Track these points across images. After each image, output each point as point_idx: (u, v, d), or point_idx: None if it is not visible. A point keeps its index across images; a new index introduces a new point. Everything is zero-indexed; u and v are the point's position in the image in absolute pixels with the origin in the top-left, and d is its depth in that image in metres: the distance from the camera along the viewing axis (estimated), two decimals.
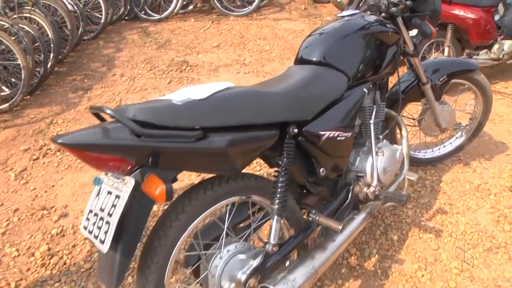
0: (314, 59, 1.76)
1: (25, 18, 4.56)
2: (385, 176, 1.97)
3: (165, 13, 6.35)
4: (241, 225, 1.65)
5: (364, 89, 1.84)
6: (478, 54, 3.87)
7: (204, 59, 5.05)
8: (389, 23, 1.97)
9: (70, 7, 5.00)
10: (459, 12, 3.67)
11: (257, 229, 1.68)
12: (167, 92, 4.24)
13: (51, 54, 4.50)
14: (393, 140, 2.48)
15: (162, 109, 1.19)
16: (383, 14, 2.04)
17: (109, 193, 1.25)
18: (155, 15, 6.46)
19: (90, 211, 1.30)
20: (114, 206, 1.21)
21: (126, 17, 6.50)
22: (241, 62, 4.92)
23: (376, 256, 2.14)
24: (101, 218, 1.24)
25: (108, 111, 1.11)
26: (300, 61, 1.81)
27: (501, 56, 3.91)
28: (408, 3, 2.02)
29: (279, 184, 1.50)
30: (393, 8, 2.01)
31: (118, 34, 5.92)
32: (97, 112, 1.18)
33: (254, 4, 6.48)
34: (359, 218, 1.87)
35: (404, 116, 2.64)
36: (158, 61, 5.00)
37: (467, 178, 2.72)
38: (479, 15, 3.71)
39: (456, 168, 2.82)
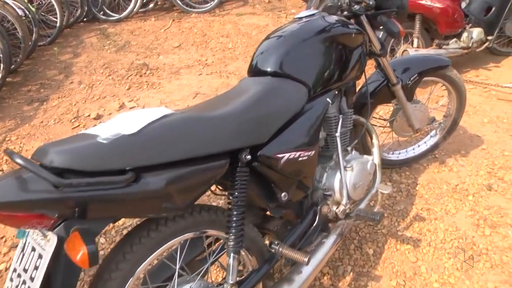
0: (268, 69, 1.57)
1: None
2: (356, 192, 1.82)
3: (124, 13, 6.07)
4: (197, 259, 1.48)
5: (328, 99, 1.67)
6: (448, 44, 3.76)
7: (165, 61, 4.82)
8: (352, 23, 1.81)
9: (20, 12, 4.67)
10: (426, 2, 3.54)
11: (215, 262, 1.50)
12: (126, 99, 4.00)
13: (1, 65, 4.20)
14: (365, 149, 2.32)
15: (85, 151, 0.99)
16: (345, 13, 1.88)
17: (33, 249, 1.05)
18: (114, 15, 6.17)
19: (15, 270, 1.10)
20: (36, 268, 1.02)
21: (85, 19, 6.20)
22: (203, 63, 4.71)
23: (351, 274, 1.99)
24: (24, 282, 1.05)
25: (18, 161, 0.91)
26: (254, 71, 1.63)
27: (470, 45, 3.81)
28: (370, 1, 1.86)
29: (233, 218, 1.32)
30: (355, 6, 1.85)
31: (76, 37, 5.62)
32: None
33: None
34: (329, 242, 1.71)
35: (374, 118, 2.50)
36: (117, 65, 4.75)
37: (444, 178, 2.60)
38: (446, 4, 3.59)
39: (432, 168, 2.70)
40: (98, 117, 3.79)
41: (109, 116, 3.79)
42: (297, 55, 1.58)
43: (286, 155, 1.44)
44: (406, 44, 3.72)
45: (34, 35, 4.95)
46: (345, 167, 1.77)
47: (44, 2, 5.43)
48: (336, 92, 1.75)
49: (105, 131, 1.06)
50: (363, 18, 1.88)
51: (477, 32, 3.78)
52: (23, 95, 4.37)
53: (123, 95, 4.08)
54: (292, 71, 1.56)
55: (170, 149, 1.09)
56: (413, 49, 3.59)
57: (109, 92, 4.19)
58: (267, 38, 1.69)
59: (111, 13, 6.19)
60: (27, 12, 4.90)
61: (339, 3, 1.84)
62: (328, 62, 1.64)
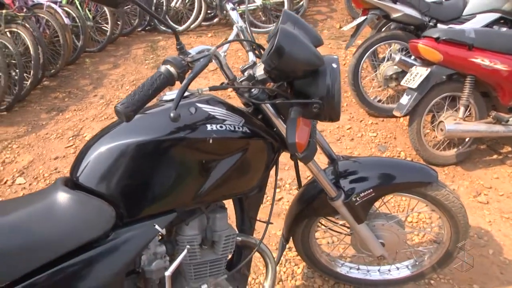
0: (75, 176, 1.13)
1: (13, 33, 4.31)
2: None
3: (183, 26, 5.84)
4: None
5: (156, 226, 1.12)
6: (509, 120, 2.80)
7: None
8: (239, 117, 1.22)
9: (66, 20, 4.66)
10: (483, 61, 2.64)
11: None
12: None
13: (31, 72, 4.21)
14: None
15: None
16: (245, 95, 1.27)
17: None
18: (176, 26, 5.99)
19: None
20: None
21: (147, 28, 6.13)
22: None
23: None
24: None
25: None
26: (70, 173, 1.17)
27: None
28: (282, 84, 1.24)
29: None
30: (253, 91, 1.24)
31: (126, 47, 5.54)
32: None
33: None
34: None
35: (332, 222, 1.83)
36: None
37: None
38: None
39: None
40: None
41: None
42: (107, 163, 1.10)
43: None
44: (452, 111, 2.85)
45: (80, 42, 4.95)
46: None
47: (100, 10, 5.42)
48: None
49: None
50: (266, 107, 1.28)
51: None
52: (49, 101, 4.35)
53: None
54: (96, 184, 1.10)
55: None
56: (453, 122, 2.72)
57: None
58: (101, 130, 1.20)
59: (172, 25, 6.03)
60: (77, 20, 4.91)
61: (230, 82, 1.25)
62: (158, 177, 1.13)
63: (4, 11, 4.31)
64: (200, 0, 5.71)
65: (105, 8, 5.25)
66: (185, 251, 1.21)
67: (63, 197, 1.08)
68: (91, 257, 1.06)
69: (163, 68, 1.02)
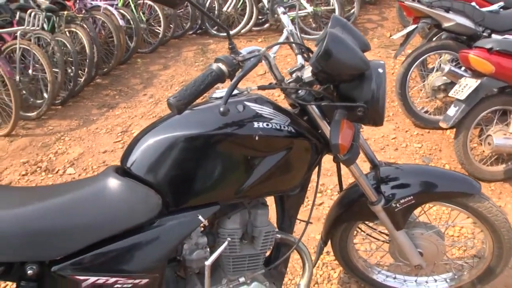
0: (126, 165, 1.20)
1: (71, 32, 4.56)
2: None
3: (234, 30, 5.96)
4: None
5: (199, 216, 1.18)
6: None
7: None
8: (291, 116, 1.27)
9: (121, 22, 4.89)
10: None
11: None
12: None
13: (85, 69, 4.43)
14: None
15: None
16: (292, 96, 1.31)
17: None
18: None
19: None
20: None
21: (198, 31, 6.30)
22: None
23: None
24: None
25: None
26: (120, 161, 1.25)
27: None
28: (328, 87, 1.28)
29: None
30: (300, 92, 1.28)
31: (177, 49, 5.72)
32: None
33: None
34: None
35: (371, 228, 1.83)
36: None
37: None
38: None
39: None
40: None
41: None
42: (157, 154, 1.17)
43: (91, 279, 1.10)
44: (501, 125, 2.76)
45: (133, 43, 5.16)
46: None
47: (153, 13, 5.63)
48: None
49: None
50: (312, 109, 1.31)
51: None
52: (100, 98, 4.56)
53: None
54: (145, 173, 1.17)
55: None
56: (503, 136, 2.64)
57: (167, 112, 4.08)
58: (152, 125, 1.27)
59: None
60: (131, 22, 5.13)
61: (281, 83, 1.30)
62: (205, 169, 1.19)
63: (65, 12, 4.57)
64: (251, 6, 5.81)
65: (159, 11, 5.45)
66: (226, 243, 1.26)
67: (113, 183, 1.16)
68: (137, 241, 1.13)
69: (214, 65, 1.08)
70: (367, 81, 1.22)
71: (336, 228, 1.71)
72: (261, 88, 1.15)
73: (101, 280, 1.10)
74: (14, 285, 1.11)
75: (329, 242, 1.80)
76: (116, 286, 1.11)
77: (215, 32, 6.17)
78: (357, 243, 1.98)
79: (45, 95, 4.18)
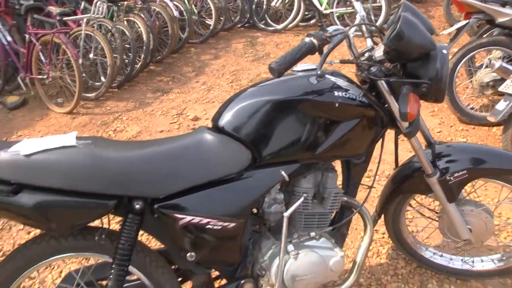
0: (218, 123, 1.37)
1: (130, 21, 4.84)
2: (295, 284, 1.48)
3: (282, 25, 6.15)
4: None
5: (282, 172, 1.36)
6: None
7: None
8: (356, 90, 1.42)
9: (176, 13, 5.15)
10: None
11: None
12: None
13: (142, 55, 4.70)
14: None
15: None
16: (363, 74, 1.48)
17: None
18: (274, 25, 6.32)
19: None
20: None
21: (246, 24, 6.50)
22: None
23: None
24: None
25: None
26: (213, 122, 1.44)
27: None
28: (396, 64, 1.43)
29: (114, 268, 1.27)
30: (371, 69, 1.44)
31: (227, 41, 5.94)
32: None
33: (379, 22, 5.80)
34: None
35: (422, 205, 1.96)
36: (244, 74, 4.84)
37: None
38: None
39: None
40: (196, 119, 3.92)
41: (206, 120, 3.88)
42: (249, 115, 1.34)
43: (187, 218, 1.28)
44: None
45: (185, 33, 5.41)
46: (288, 253, 1.44)
47: (205, 6, 5.86)
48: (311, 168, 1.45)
49: (23, 147, 1.16)
50: (382, 84, 1.46)
51: None
52: (154, 83, 4.82)
53: None
54: (238, 130, 1.34)
55: (51, 176, 1.14)
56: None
57: (220, 98, 4.30)
58: (242, 91, 1.46)
59: (271, 23, 6.35)
60: (184, 14, 5.37)
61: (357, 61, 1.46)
62: (290, 130, 1.35)
63: (125, 2, 4.86)
64: (299, 1, 5.96)
65: (210, 4, 5.68)
66: (302, 198, 1.43)
67: (209, 138, 1.34)
68: (229, 188, 1.31)
69: (307, 39, 1.27)
70: (433, 61, 1.38)
71: (391, 200, 1.84)
72: (343, 62, 1.33)
73: (196, 220, 1.27)
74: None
75: (382, 216, 1.94)
76: (208, 226, 1.29)
77: (263, 26, 6.36)
78: (408, 219, 2.10)
79: (103, 78, 4.48)
